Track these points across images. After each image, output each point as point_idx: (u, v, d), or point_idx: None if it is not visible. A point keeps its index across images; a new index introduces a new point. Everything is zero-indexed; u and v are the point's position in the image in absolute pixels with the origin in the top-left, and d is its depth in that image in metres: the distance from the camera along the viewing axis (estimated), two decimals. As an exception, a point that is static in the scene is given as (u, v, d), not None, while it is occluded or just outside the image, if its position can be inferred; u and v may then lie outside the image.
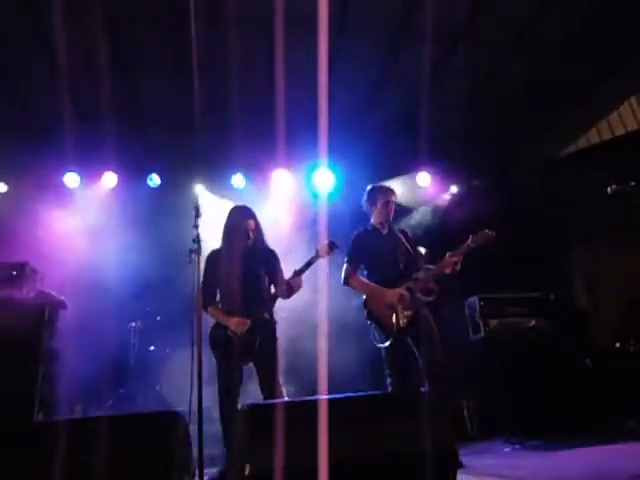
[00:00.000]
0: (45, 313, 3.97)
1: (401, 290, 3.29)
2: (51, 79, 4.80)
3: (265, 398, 3.07)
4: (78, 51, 4.33)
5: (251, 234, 3.30)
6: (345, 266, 3.48)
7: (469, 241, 3.35)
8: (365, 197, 3.68)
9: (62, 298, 4.34)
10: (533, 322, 4.56)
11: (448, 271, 3.29)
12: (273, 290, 3.31)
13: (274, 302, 3.28)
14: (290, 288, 3.21)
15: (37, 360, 3.80)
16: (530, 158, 6.44)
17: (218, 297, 3.29)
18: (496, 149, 6.28)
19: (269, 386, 3.08)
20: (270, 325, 3.24)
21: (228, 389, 3.04)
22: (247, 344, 3.09)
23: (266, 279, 3.32)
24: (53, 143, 5.25)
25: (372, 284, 3.38)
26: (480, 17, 4.52)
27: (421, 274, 3.35)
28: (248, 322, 3.10)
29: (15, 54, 4.55)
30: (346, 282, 3.46)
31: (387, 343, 3.24)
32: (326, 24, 3.76)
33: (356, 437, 1.75)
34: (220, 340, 3.14)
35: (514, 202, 6.01)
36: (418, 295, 3.30)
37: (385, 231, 3.57)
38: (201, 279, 3.07)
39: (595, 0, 4.39)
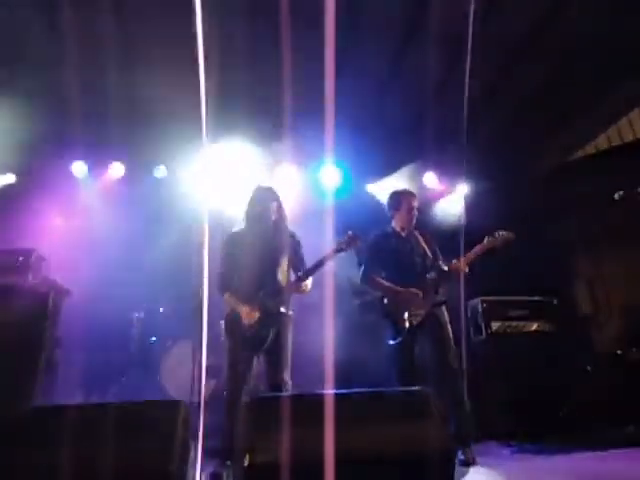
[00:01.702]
0: (49, 301, 3.99)
1: (415, 290, 3.37)
2: (59, 67, 4.80)
3: (270, 388, 3.00)
4: (86, 40, 4.33)
5: (274, 217, 3.22)
6: (363, 267, 3.58)
7: (484, 242, 3.43)
8: (389, 201, 3.76)
9: (67, 287, 4.36)
10: (535, 326, 4.56)
11: (460, 271, 3.38)
12: (293, 277, 3.18)
13: (291, 292, 3.15)
14: (298, 289, 3.14)
15: (40, 347, 3.82)
16: (538, 162, 6.43)
17: (236, 282, 3.13)
18: (504, 151, 6.27)
19: (275, 380, 2.99)
20: (284, 317, 3.10)
21: (235, 379, 2.96)
22: (259, 336, 3.00)
23: (286, 266, 3.18)
24: (61, 132, 5.27)
25: (388, 284, 3.46)
26: (493, 17, 4.50)
27: (434, 274, 3.43)
28: (256, 314, 3.00)
29: (26, 43, 4.55)
30: (364, 282, 3.58)
31: (397, 340, 3.29)
32: (333, 21, 3.76)
33: (359, 433, 1.76)
34: (234, 328, 3.04)
35: (520, 205, 6.00)
36: (432, 295, 3.38)
37: (404, 233, 3.66)
38: (220, 261, 3.05)
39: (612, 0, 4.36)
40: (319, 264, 3.11)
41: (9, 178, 5.61)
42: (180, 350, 4.83)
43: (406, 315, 3.29)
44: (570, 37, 4.78)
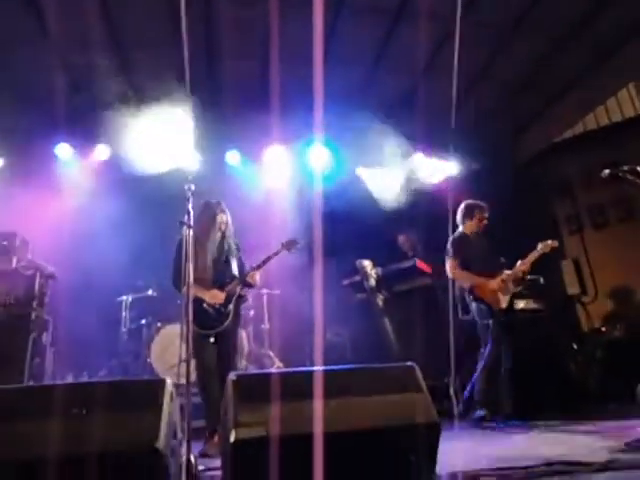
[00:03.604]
0: (35, 283, 3.96)
1: (500, 280, 4.11)
2: (42, 48, 4.69)
3: (224, 369, 3.25)
4: (70, 19, 4.22)
5: (222, 226, 3.60)
6: (450, 262, 4.21)
7: (538, 249, 4.13)
8: (463, 210, 4.40)
9: (52, 269, 4.32)
10: (522, 304, 4.60)
11: (520, 275, 4.18)
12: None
13: (242, 282, 3.57)
14: (248, 283, 3.57)
15: (26, 330, 3.81)
16: (523, 144, 6.45)
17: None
18: (493, 133, 6.26)
19: (229, 357, 3.42)
20: (241, 301, 3.61)
21: (204, 359, 3.32)
22: (221, 314, 3.43)
23: (235, 264, 3.64)
24: (45, 114, 5.17)
25: (475, 275, 4.15)
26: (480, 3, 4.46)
27: (509, 271, 4.17)
28: (222, 295, 3.44)
29: (7, 26, 4.41)
30: (453, 274, 4.23)
31: (491, 320, 4.04)
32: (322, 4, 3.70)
33: (346, 407, 1.78)
34: (196, 313, 3.17)
35: (509, 186, 6.02)
36: (510, 285, 4.17)
37: (475, 236, 4.36)
38: (173, 261, 3.42)
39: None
40: (264, 262, 3.60)
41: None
42: (169, 332, 4.83)
43: (500, 299, 4.09)
44: (555, 19, 4.75)
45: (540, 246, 4.17)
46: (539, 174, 6.31)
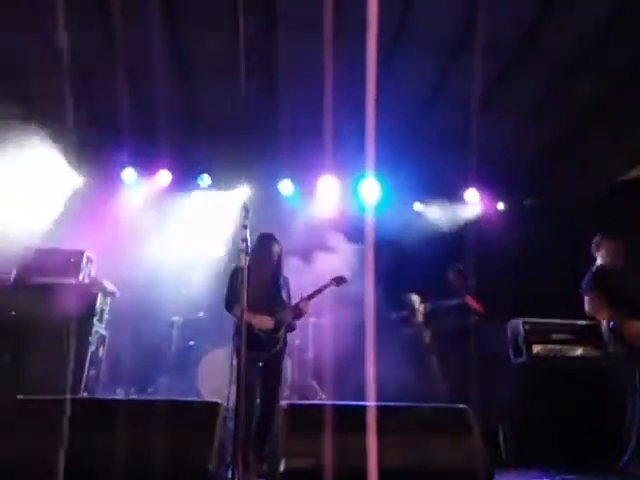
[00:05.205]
0: (97, 301, 4.17)
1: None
2: (113, 78, 5.06)
3: (267, 396, 3.42)
4: (140, 49, 4.53)
5: (275, 257, 3.69)
6: (589, 298, 3.93)
7: None
8: (594, 241, 4.21)
9: (113, 287, 4.54)
10: (580, 351, 4.36)
11: None
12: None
13: (294, 311, 3.64)
14: (299, 311, 3.63)
15: (86, 344, 3.99)
16: (587, 181, 6.22)
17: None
18: (550, 170, 6.11)
19: (273, 385, 3.48)
20: (289, 329, 3.66)
21: (248, 384, 3.22)
22: (270, 340, 3.48)
23: (285, 294, 3.73)
24: (114, 139, 5.54)
25: (617, 315, 3.80)
26: (542, 34, 4.45)
27: None
28: (271, 321, 3.49)
29: (82, 55, 4.80)
30: (591, 313, 3.95)
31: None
32: (376, 35, 3.81)
33: (400, 445, 1.75)
34: (247, 337, 3.24)
35: (566, 225, 5.81)
36: None
37: (617, 270, 4.03)
38: (227, 288, 3.55)
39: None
40: (315, 293, 3.70)
41: (78, 181, 5.84)
42: (216, 356, 4.91)
43: None
44: (619, 54, 4.65)
45: None
46: (602, 212, 6.04)
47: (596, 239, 4.21)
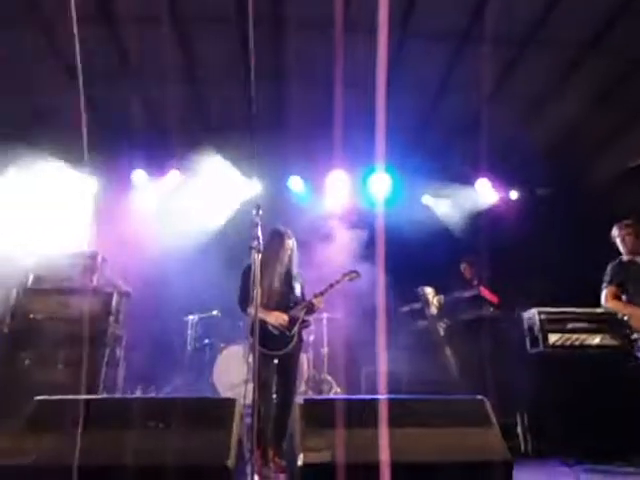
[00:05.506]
0: (112, 301, 4.22)
1: None
2: (124, 80, 5.10)
3: (284, 392, 3.44)
4: (150, 55, 4.57)
5: (289, 252, 3.69)
6: (606, 289, 3.91)
7: None
8: (613, 231, 4.12)
9: (128, 288, 4.59)
10: (598, 339, 4.31)
11: None
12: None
13: (307, 306, 3.63)
14: (312, 307, 3.61)
15: (103, 344, 4.04)
16: (599, 168, 6.13)
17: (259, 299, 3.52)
18: (562, 157, 6.02)
19: (289, 381, 3.49)
20: (304, 325, 3.64)
21: (264, 378, 3.26)
22: (286, 337, 3.47)
23: (299, 289, 3.73)
24: (125, 142, 5.59)
25: (632, 306, 3.77)
26: (552, 18, 4.37)
27: None
28: (286, 317, 3.50)
29: (93, 62, 4.84)
30: (606, 302, 3.91)
31: None
32: (387, 26, 3.77)
33: (415, 438, 1.75)
34: (261, 334, 3.23)
35: (580, 213, 5.73)
36: None
37: (632, 258, 3.94)
38: (240, 285, 3.55)
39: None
40: (327, 289, 3.66)
41: (95, 184, 5.90)
42: (232, 353, 4.95)
43: None
44: (634, 39, 4.55)
45: None
46: (614, 199, 5.95)
47: (614, 228, 4.14)
